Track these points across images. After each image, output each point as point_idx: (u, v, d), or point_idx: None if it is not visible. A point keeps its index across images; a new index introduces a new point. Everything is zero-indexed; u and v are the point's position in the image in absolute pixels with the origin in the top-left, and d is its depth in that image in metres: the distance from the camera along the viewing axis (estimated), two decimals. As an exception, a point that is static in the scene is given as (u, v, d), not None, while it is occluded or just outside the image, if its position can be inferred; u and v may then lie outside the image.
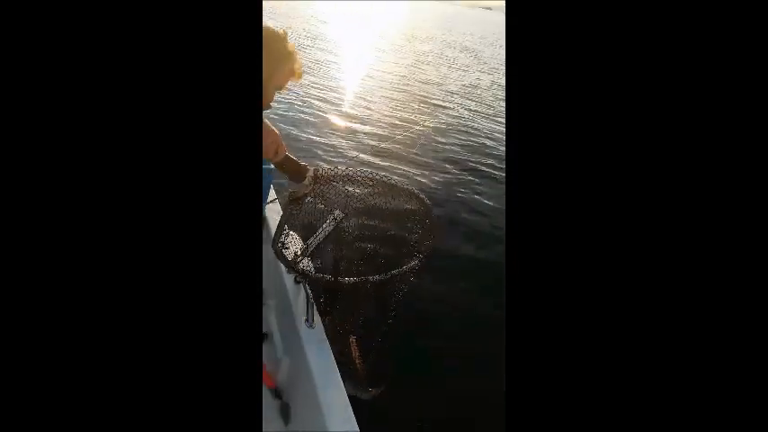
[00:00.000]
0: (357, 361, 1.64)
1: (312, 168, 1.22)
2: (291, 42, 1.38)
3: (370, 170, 1.26)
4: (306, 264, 1.57)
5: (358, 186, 1.33)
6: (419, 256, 1.45)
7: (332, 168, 1.23)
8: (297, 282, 1.63)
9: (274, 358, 1.49)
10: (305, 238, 1.54)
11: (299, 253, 1.72)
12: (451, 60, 13.59)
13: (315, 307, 1.43)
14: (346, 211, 1.64)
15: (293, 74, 1.42)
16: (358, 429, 1.13)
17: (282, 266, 1.69)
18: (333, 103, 6.29)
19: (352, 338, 1.61)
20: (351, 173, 1.24)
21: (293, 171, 1.23)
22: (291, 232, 2.24)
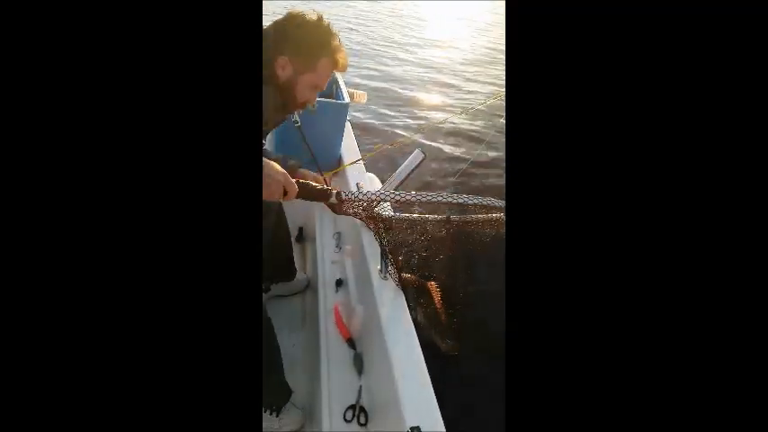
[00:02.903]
0: (438, 308, 1.55)
1: (335, 191, 1.07)
2: (327, 25, 1.13)
3: (399, 192, 1.08)
4: (383, 208, 1.45)
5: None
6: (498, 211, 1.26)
7: (355, 192, 1.08)
8: (371, 228, 1.53)
9: (349, 307, 1.44)
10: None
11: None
12: None
13: (389, 257, 1.32)
14: (425, 153, 1.46)
15: (336, 65, 1.16)
16: (431, 385, 1.05)
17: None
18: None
19: (432, 284, 1.50)
20: (378, 197, 1.07)
21: (316, 198, 1.07)
22: (371, 174, 2.13)
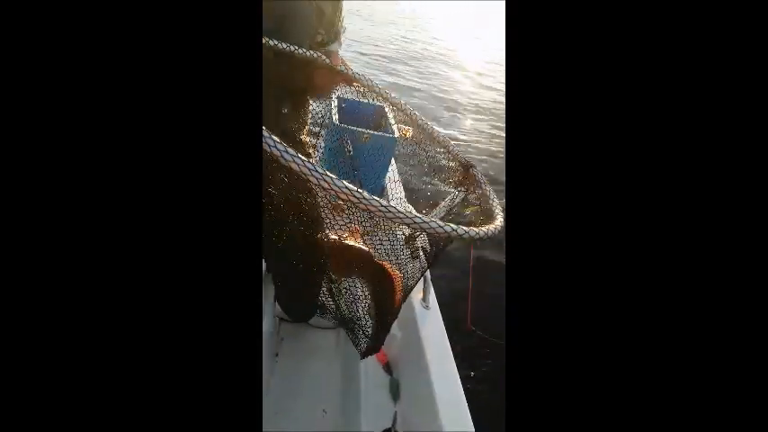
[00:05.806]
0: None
1: None
2: None
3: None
4: (422, 240, 1.50)
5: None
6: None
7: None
8: (413, 257, 1.57)
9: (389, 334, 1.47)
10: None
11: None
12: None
13: (432, 288, 1.36)
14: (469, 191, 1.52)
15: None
16: (469, 412, 1.07)
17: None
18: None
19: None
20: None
21: None
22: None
